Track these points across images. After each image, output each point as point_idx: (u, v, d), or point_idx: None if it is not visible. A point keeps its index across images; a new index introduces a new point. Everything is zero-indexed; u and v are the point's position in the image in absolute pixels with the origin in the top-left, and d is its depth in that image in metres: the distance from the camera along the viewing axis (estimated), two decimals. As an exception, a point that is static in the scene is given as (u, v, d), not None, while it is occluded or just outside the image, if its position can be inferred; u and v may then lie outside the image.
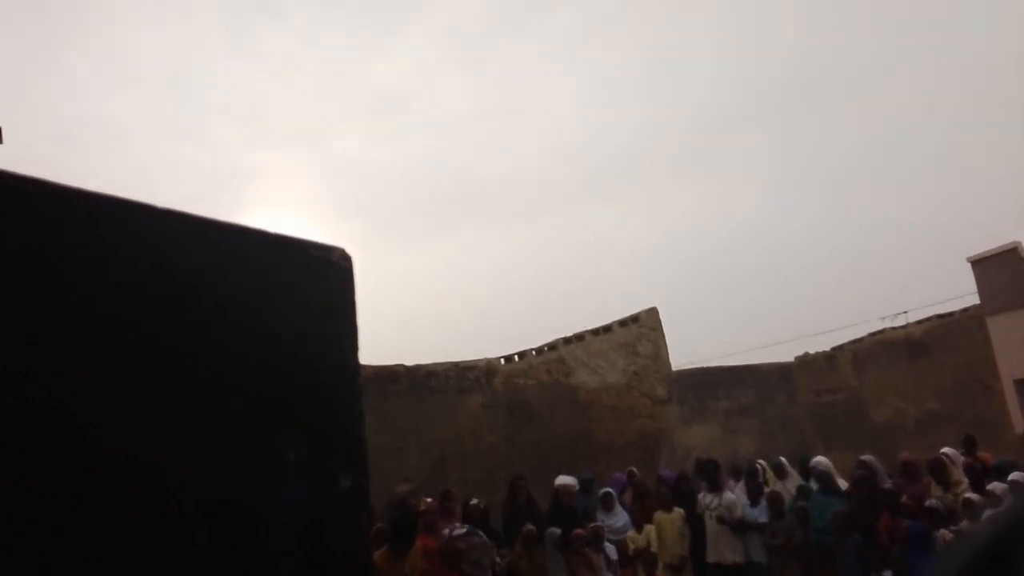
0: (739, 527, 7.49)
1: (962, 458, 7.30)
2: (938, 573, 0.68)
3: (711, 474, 7.95)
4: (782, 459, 8.53)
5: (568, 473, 8.32)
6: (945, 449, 7.17)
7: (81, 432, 0.74)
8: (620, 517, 7.88)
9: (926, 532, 6.09)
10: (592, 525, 7.26)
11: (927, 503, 6.19)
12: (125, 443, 0.77)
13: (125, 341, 0.79)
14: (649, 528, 7.63)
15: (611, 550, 7.23)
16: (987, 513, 5.92)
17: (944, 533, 5.94)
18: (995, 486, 6.07)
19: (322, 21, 48.69)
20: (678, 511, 7.69)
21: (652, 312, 12.59)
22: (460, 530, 6.47)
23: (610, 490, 8.13)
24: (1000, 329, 13.65)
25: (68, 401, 0.74)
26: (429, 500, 6.83)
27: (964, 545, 0.57)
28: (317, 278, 0.99)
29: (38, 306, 0.74)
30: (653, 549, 7.40)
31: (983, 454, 7.63)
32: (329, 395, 0.97)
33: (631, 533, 7.69)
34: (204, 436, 0.83)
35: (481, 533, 6.60)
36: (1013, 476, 6.04)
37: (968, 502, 6.10)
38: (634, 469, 9.08)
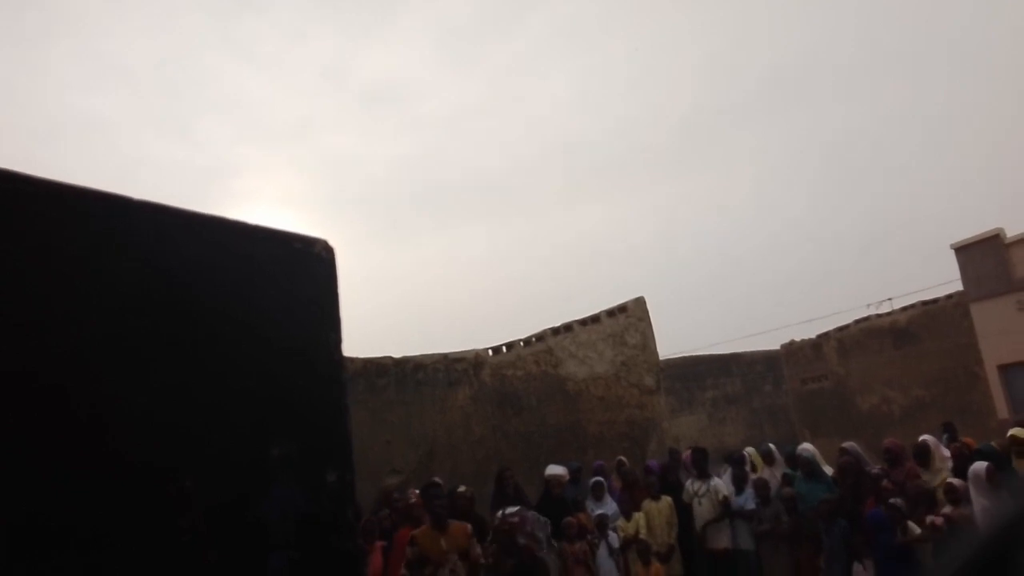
0: (725, 514, 7.55)
1: (942, 445, 7.37)
2: (938, 571, 0.69)
3: (700, 462, 8.01)
4: (771, 446, 8.60)
5: (557, 463, 8.35)
6: (925, 436, 7.25)
7: (69, 429, 0.73)
8: (610, 506, 7.92)
9: (885, 518, 6.17)
10: (578, 515, 7.31)
11: (890, 500, 6.24)
12: (111, 439, 0.76)
13: (105, 336, 0.78)
14: (638, 516, 7.67)
15: (613, 538, 7.30)
16: (969, 498, 5.99)
17: (934, 518, 6.00)
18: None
19: (311, 19, 48.37)
20: (666, 499, 7.74)
21: (640, 302, 12.62)
22: (511, 509, 6.68)
23: (600, 479, 8.17)
24: (984, 316, 13.78)
25: (56, 398, 0.73)
26: (417, 493, 6.84)
27: (964, 544, 0.57)
28: (300, 270, 0.98)
29: (23, 303, 0.73)
30: (643, 536, 7.45)
31: (967, 439, 7.71)
32: (314, 389, 0.96)
33: (620, 521, 7.73)
34: (187, 431, 0.82)
35: (534, 511, 6.87)
36: (974, 468, 6.06)
37: (951, 487, 6.17)
38: (623, 458, 9.12)
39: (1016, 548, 0.52)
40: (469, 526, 6.14)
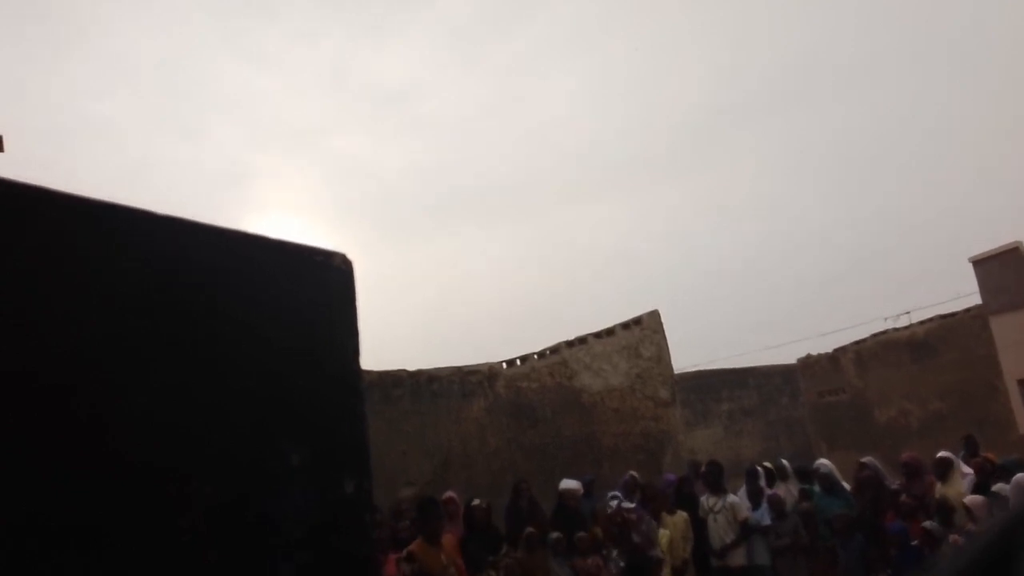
0: (744, 537, 7.47)
1: (961, 461, 7.28)
2: (941, 571, 0.69)
3: (714, 476, 7.94)
4: (783, 461, 8.53)
5: (572, 476, 8.31)
6: (943, 452, 7.16)
7: (85, 436, 0.74)
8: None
9: (906, 532, 6.11)
10: (592, 529, 7.26)
11: (924, 524, 6.16)
12: (128, 448, 0.77)
13: (126, 348, 0.79)
14: (664, 533, 7.56)
15: None
16: (990, 514, 5.91)
17: (955, 537, 5.92)
18: (1000, 487, 6.05)
19: (319, 20, 48.84)
20: (681, 514, 7.67)
21: (654, 315, 12.58)
22: (628, 504, 6.65)
23: (618, 493, 8.10)
24: (1003, 329, 13.62)
25: (72, 406, 0.74)
26: (408, 524, 6.84)
27: (965, 546, 0.57)
28: (318, 284, 0.99)
29: (40, 314, 0.74)
30: (663, 552, 7.36)
31: (987, 454, 7.61)
32: (332, 400, 0.98)
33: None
34: (208, 442, 0.84)
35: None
36: (1017, 477, 6.01)
37: (968, 507, 6.08)
38: (634, 473, 9.03)
39: (1019, 548, 0.52)
40: (453, 537, 6.16)
